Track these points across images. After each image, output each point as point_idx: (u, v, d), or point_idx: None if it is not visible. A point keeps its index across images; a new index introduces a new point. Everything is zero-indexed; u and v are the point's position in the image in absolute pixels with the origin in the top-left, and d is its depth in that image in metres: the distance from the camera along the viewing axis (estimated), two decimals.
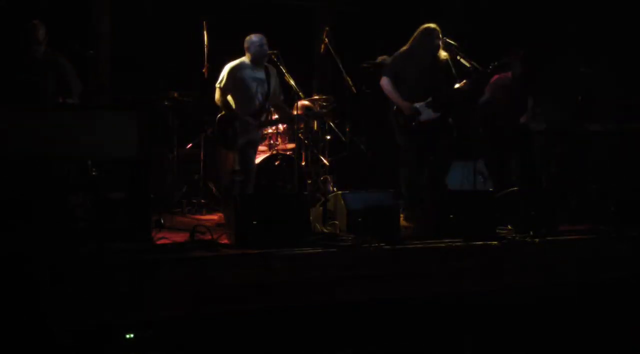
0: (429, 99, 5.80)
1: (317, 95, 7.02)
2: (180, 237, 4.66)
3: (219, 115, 5.96)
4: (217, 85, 5.94)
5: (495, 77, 6.51)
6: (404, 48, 5.93)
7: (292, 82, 6.09)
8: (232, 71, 5.91)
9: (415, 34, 5.88)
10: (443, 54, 5.84)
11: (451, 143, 6.07)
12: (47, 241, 4.10)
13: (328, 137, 6.91)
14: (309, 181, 6.51)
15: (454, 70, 5.81)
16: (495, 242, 4.82)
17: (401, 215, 5.28)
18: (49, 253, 3.90)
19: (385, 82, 5.88)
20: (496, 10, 8.53)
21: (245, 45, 5.96)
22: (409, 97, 5.82)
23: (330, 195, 5.49)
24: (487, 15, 8.60)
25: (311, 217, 4.82)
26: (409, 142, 5.91)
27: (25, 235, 4.13)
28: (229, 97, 5.92)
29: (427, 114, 5.82)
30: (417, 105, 5.81)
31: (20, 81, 5.37)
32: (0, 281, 3.55)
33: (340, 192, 5.35)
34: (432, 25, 5.82)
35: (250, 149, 5.97)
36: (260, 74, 5.98)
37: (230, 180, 6.00)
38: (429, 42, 5.79)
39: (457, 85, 5.80)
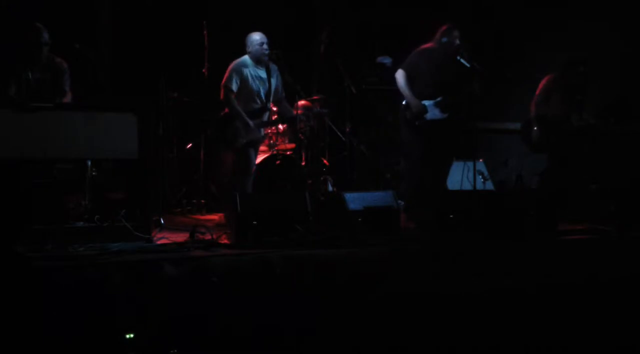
0: (439, 99, 5.80)
1: (317, 95, 7.02)
2: (180, 237, 4.66)
3: (222, 114, 5.95)
4: (225, 84, 5.91)
5: (547, 77, 6.73)
6: (426, 45, 5.95)
7: (292, 81, 6.09)
8: (235, 69, 5.91)
9: (437, 32, 5.90)
10: (465, 54, 5.83)
11: (455, 144, 6.08)
12: (47, 241, 4.10)
13: (328, 137, 6.91)
14: (309, 181, 6.51)
15: (471, 71, 5.81)
16: (495, 243, 4.81)
17: (402, 215, 5.29)
18: (48, 253, 3.90)
19: (400, 75, 5.90)
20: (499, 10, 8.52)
21: (246, 44, 5.96)
22: (421, 93, 5.83)
23: (330, 195, 5.48)
24: (492, 15, 8.59)
25: (311, 217, 4.82)
26: (413, 139, 5.92)
27: (25, 235, 4.13)
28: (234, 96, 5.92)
29: (433, 113, 5.82)
30: (426, 103, 5.81)
31: (26, 82, 5.38)
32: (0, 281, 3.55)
33: (340, 192, 5.34)
34: (453, 24, 5.85)
35: (252, 149, 5.96)
36: (262, 73, 5.98)
37: (231, 180, 5.99)
38: (449, 41, 5.80)
39: (473, 89, 5.81)
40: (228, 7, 7.75)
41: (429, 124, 5.82)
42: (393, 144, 6.30)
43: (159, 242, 4.47)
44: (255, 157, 6.08)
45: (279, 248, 4.27)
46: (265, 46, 5.91)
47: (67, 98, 5.63)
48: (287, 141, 6.57)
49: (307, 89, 7.10)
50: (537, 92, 6.84)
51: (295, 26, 8.23)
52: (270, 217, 4.51)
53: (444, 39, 5.83)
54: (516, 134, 7.21)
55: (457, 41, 5.80)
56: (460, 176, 6.72)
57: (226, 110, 5.93)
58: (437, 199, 5.20)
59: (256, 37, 5.93)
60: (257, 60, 5.94)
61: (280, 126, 6.47)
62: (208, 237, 4.56)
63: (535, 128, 6.85)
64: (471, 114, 6.30)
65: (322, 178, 6.68)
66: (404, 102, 5.91)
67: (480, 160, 7.40)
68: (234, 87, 5.85)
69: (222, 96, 5.93)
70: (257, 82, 5.94)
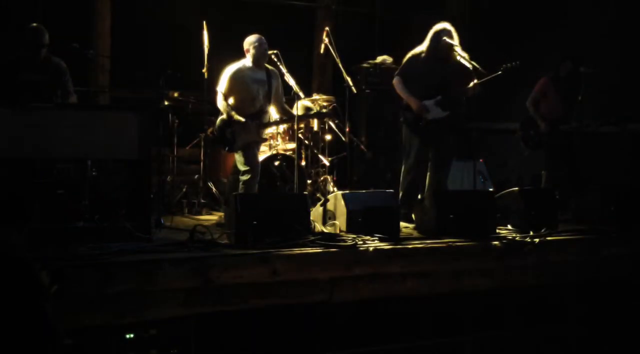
0: (439, 98, 5.79)
1: (317, 95, 7.02)
2: (180, 237, 4.66)
3: (219, 118, 5.95)
4: (218, 89, 5.92)
5: (543, 79, 6.82)
6: (418, 48, 5.93)
7: (292, 82, 6.08)
8: (232, 74, 5.89)
9: (429, 33, 5.88)
10: (459, 53, 5.80)
11: (454, 142, 6.07)
12: (47, 241, 4.09)
13: (328, 137, 6.91)
14: (309, 181, 6.50)
15: (470, 69, 5.79)
16: (495, 243, 4.81)
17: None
18: (49, 253, 3.90)
19: (396, 81, 5.92)
20: (498, 10, 8.53)
21: (245, 47, 5.94)
22: (419, 95, 5.83)
23: (330, 195, 5.48)
24: (489, 15, 8.60)
25: (311, 218, 4.82)
26: (413, 139, 5.90)
27: (25, 235, 4.13)
28: (230, 100, 5.91)
29: (435, 112, 5.79)
30: (427, 102, 5.80)
31: (24, 82, 5.38)
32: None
33: (340, 192, 5.34)
34: (444, 24, 5.82)
35: (253, 149, 5.94)
36: (261, 75, 5.97)
37: (234, 180, 5.99)
38: (440, 41, 5.78)
39: (468, 86, 5.79)
40: (228, 7, 7.76)
41: (431, 123, 5.80)
42: (393, 144, 6.29)
43: (159, 242, 4.46)
44: (258, 155, 6.06)
45: (279, 248, 4.26)
46: (265, 47, 5.90)
47: (72, 98, 5.62)
48: (287, 141, 6.57)
49: (307, 89, 7.11)
50: (535, 89, 6.88)
51: (295, 26, 8.24)
52: (270, 217, 4.50)
53: (435, 42, 5.80)
54: (516, 134, 7.23)
55: (447, 41, 5.76)
56: (460, 176, 6.72)
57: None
58: (437, 199, 5.19)
59: (255, 39, 5.90)
60: (257, 63, 5.93)
61: (281, 126, 6.46)
62: (208, 237, 4.55)
63: (532, 126, 6.88)
64: (470, 113, 6.30)
65: (322, 178, 6.68)
66: (404, 103, 5.90)
67: (480, 160, 7.41)
68: (225, 91, 5.85)
69: (217, 100, 5.93)
70: (256, 84, 5.93)
